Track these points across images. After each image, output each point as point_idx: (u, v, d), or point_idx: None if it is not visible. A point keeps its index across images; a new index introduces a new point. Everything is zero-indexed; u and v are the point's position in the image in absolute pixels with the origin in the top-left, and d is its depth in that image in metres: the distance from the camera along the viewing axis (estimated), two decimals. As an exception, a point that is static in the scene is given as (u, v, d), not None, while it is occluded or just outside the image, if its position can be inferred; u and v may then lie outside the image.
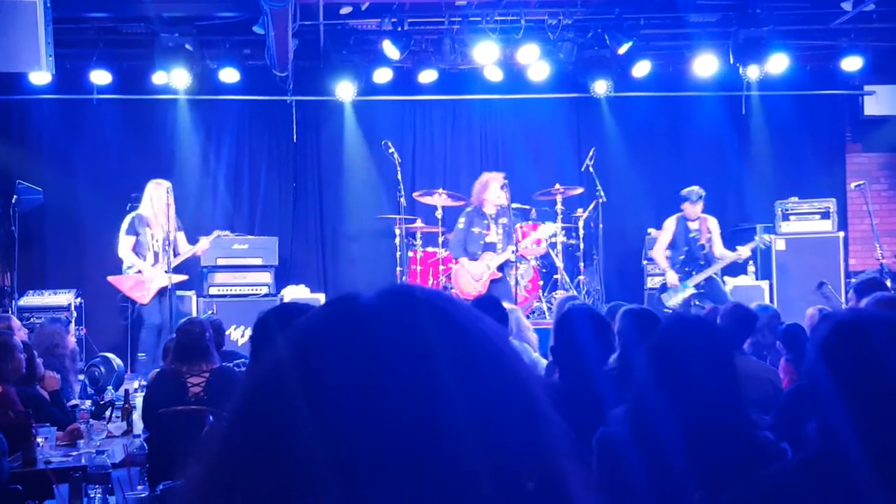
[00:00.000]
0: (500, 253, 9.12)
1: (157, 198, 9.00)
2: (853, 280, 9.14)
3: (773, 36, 9.70)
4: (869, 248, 10.18)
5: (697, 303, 9.10)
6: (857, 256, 10.98)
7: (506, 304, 6.19)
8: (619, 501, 2.58)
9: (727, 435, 2.53)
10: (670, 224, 9.34)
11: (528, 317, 8.31)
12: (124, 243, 9.06)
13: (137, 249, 9.05)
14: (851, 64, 10.31)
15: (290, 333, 0.80)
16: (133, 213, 9.08)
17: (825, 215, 10.19)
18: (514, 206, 9.93)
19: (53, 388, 5.54)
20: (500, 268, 9.18)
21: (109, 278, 9.21)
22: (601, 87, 10.12)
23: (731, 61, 9.91)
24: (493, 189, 9.21)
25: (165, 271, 8.90)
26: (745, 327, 5.27)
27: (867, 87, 10.95)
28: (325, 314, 0.81)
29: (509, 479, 0.73)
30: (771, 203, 10.38)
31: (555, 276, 9.66)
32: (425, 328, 0.77)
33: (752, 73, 9.90)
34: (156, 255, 9.06)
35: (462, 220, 9.38)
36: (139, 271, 8.99)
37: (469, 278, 9.19)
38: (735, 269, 9.53)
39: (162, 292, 8.92)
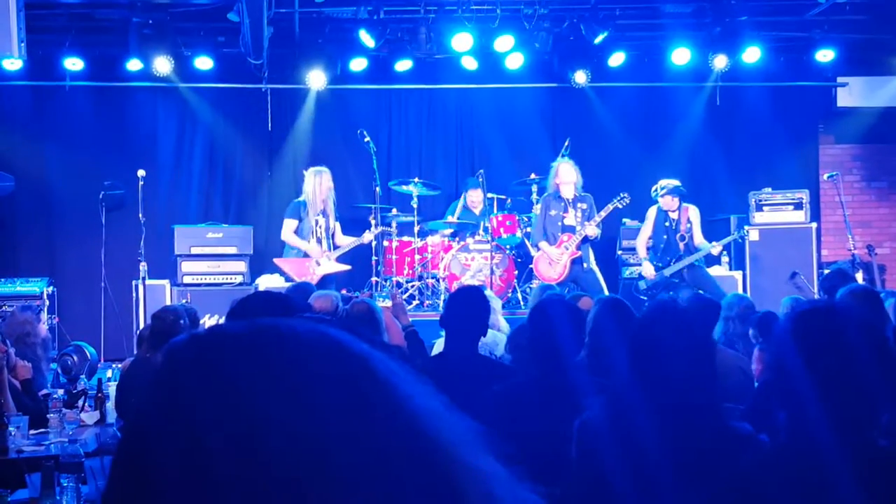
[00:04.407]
0: (578, 234, 9.11)
1: (317, 184, 9.03)
2: (825, 271, 9.23)
3: (748, 27, 9.76)
4: (841, 239, 10.27)
5: (672, 293, 9.14)
6: (830, 247, 11.07)
7: (487, 292, 6.22)
8: (598, 487, 2.60)
9: (703, 426, 2.54)
10: (651, 214, 9.40)
11: (502, 307, 8.33)
12: (286, 227, 9.15)
13: (300, 234, 9.09)
14: (825, 55, 10.38)
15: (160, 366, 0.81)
16: (298, 199, 9.20)
17: (798, 206, 10.26)
18: (490, 195, 9.96)
19: (25, 377, 5.49)
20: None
21: (275, 260, 9.23)
22: (581, 78, 10.14)
23: (706, 52, 9.96)
24: (560, 173, 9.15)
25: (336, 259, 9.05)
26: (709, 318, 5.28)
27: (840, 79, 11.02)
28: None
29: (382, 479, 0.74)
30: (745, 193, 10.44)
31: (530, 266, 9.68)
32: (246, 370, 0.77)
33: (719, 63, 9.97)
34: (318, 241, 9.08)
35: (538, 206, 9.44)
36: (305, 255, 9.02)
37: (546, 263, 9.19)
38: (709, 259, 9.59)
39: (325, 280, 8.83)
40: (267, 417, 0.73)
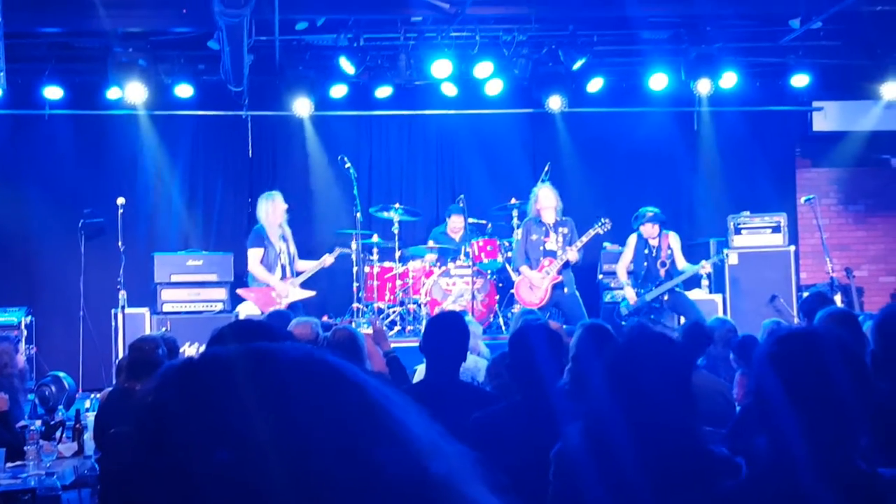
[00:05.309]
0: (560, 258, 9.11)
1: (270, 209, 8.96)
2: (805, 293, 9.29)
3: (724, 53, 9.87)
4: (819, 262, 10.34)
5: (653, 317, 9.19)
6: (808, 270, 11.15)
7: (467, 318, 6.22)
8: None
9: (681, 450, 2.54)
10: (631, 241, 9.48)
11: (484, 332, 8.34)
12: (252, 256, 8.98)
13: (265, 262, 8.95)
14: (800, 80, 10.50)
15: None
16: (256, 226, 9.05)
17: (776, 229, 10.34)
18: (470, 220, 9.98)
19: (2, 408, 5.43)
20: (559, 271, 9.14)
21: (239, 291, 9.11)
22: (555, 103, 10.20)
23: (683, 77, 10.07)
24: (540, 198, 9.19)
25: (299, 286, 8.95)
26: (699, 346, 5.31)
27: (816, 104, 11.14)
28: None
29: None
30: (723, 217, 10.51)
31: (511, 291, 9.69)
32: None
33: (703, 87, 10.05)
34: (283, 268, 8.98)
35: (519, 231, 9.44)
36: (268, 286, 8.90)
37: (527, 287, 9.20)
38: (689, 283, 9.64)
39: (291, 308, 8.66)
40: (262, 445, 0.72)
